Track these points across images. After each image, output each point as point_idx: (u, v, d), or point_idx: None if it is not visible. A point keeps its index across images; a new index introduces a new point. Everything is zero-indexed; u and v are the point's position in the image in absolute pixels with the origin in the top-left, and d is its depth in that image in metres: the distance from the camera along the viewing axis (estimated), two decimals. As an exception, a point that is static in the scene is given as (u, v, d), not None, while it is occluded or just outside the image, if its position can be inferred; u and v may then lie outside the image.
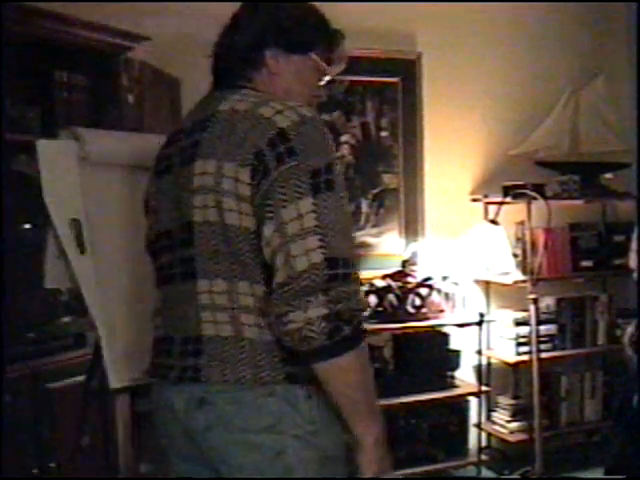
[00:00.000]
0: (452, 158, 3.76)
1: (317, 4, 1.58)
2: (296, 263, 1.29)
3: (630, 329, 3.07)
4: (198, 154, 1.41)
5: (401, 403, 3.30)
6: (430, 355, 3.45)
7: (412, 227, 3.69)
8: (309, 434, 1.38)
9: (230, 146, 1.36)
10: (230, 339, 1.38)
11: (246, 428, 1.37)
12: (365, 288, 3.23)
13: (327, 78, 1.60)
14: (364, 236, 3.59)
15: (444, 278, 3.50)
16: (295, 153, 1.32)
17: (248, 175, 1.33)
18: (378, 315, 3.30)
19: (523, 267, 3.58)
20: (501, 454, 3.72)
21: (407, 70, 3.66)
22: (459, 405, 3.58)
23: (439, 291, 3.47)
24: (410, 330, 3.37)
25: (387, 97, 3.65)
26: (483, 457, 3.59)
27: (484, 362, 3.72)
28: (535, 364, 3.39)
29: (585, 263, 3.84)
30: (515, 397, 3.71)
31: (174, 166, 1.48)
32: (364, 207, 3.63)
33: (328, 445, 1.41)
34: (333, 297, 1.28)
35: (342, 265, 1.30)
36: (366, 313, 1.35)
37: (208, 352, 1.39)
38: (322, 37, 1.56)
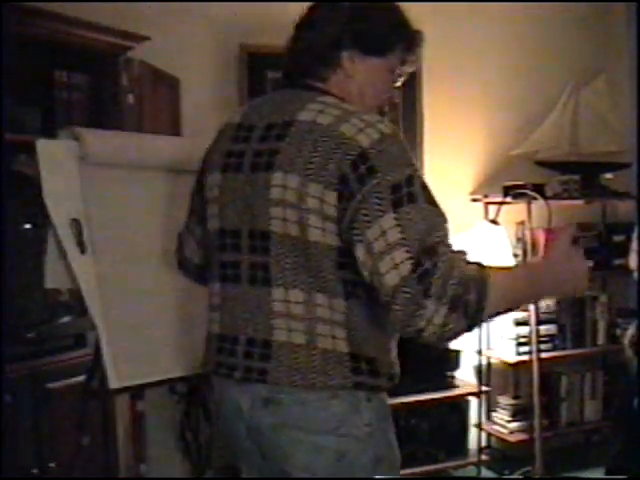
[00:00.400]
0: (452, 158, 3.75)
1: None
2: (387, 280, 1.28)
3: (630, 331, 3.08)
4: (276, 164, 1.40)
5: (401, 403, 3.29)
6: (430, 355, 3.44)
7: (412, 227, 3.68)
8: (366, 436, 1.41)
9: (313, 164, 1.35)
10: (302, 347, 1.39)
11: (310, 429, 1.39)
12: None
13: (401, 79, 1.58)
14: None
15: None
16: (375, 171, 1.32)
17: (334, 198, 1.34)
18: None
19: (523, 267, 3.58)
20: (501, 454, 3.71)
21: (407, 70, 3.65)
22: (459, 405, 3.57)
23: (439, 291, 3.46)
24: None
25: (387, 97, 3.65)
26: (483, 457, 3.59)
27: (484, 362, 3.72)
28: (535, 364, 3.39)
29: (585, 263, 3.83)
30: (515, 397, 3.71)
31: (245, 166, 1.47)
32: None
33: (380, 446, 1.44)
34: (437, 292, 1.26)
35: (427, 257, 1.27)
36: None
37: (277, 357, 1.40)
38: (401, 40, 1.53)
